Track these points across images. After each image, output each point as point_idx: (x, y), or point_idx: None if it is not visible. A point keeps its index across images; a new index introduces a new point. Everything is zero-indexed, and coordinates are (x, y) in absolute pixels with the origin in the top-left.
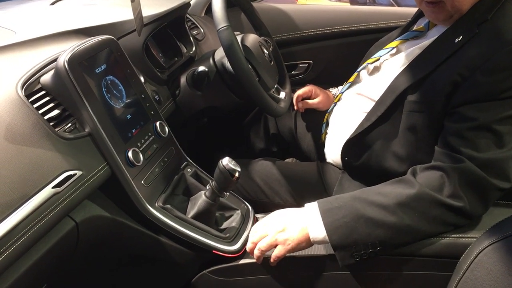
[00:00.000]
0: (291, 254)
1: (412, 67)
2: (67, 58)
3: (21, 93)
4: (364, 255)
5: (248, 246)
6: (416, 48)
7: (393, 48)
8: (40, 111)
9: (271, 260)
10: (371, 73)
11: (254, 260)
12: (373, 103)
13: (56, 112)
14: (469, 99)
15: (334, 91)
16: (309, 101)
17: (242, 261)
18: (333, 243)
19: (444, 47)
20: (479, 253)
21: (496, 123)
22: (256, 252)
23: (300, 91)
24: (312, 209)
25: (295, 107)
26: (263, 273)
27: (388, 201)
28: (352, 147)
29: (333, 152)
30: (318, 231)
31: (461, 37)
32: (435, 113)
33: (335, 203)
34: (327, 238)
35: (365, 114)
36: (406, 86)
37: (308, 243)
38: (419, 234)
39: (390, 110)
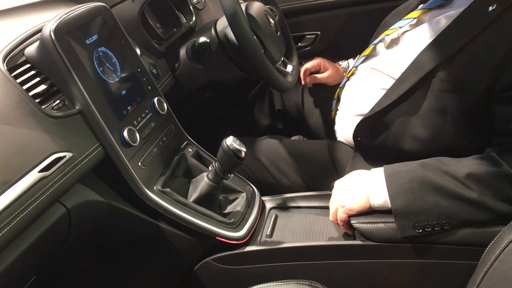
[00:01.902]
0: (300, 243)
1: (441, 40)
2: (53, 27)
3: (3, 67)
4: (427, 227)
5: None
6: (442, 17)
7: (414, 18)
8: (25, 87)
9: (340, 224)
10: (389, 46)
11: (259, 247)
12: (391, 79)
13: (42, 87)
14: None
15: (343, 64)
16: (318, 75)
17: (248, 249)
18: (394, 208)
19: (476, 17)
20: (510, 242)
21: None
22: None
23: (308, 65)
24: (377, 172)
25: (303, 82)
26: (269, 260)
27: (463, 173)
28: (367, 126)
29: (345, 130)
30: (379, 196)
31: (495, 5)
32: (472, 94)
33: (403, 167)
34: (388, 202)
35: (382, 90)
36: (436, 63)
37: (369, 207)
38: (492, 213)
39: (414, 89)
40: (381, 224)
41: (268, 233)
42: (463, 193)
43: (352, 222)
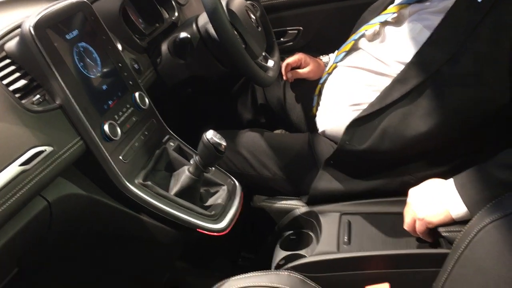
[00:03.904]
0: (386, 251)
1: (439, 40)
2: (33, 23)
3: None
4: None
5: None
6: (427, 14)
7: (393, 13)
8: (5, 82)
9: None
10: (370, 41)
11: (344, 255)
12: (372, 75)
13: (22, 82)
14: None
15: (325, 59)
16: (299, 71)
17: (330, 256)
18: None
19: (468, 11)
20: (480, 230)
21: None
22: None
23: (290, 60)
24: (449, 186)
25: (284, 77)
26: (352, 268)
27: None
28: (358, 127)
29: (326, 124)
30: (459, 209)
31: None
32: (485, 89)
33: (471, 176)
34: (469, 214)
35: (363, 86)
36: (438, 64)
37: (450, 219)
38: None
39: (414, 90)
40: None
41: (345, 240)
42: None
43: (441, 230)
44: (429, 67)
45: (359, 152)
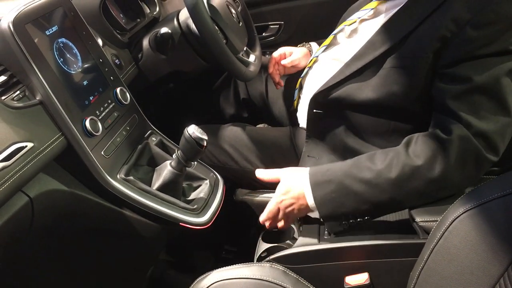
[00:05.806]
0: (366, 242)
1: (395, 22)
2: (11, 19)
3: None
4: (353, 223)
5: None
6: (397, 7)
7: (371, 9)
8: None
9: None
10: (349, 36)
11: (323, 246)
12: None
13: (2, 78)
14: (462, 57)
15: (305, 46)
16: (285, 61)
17: (312, 248)
18: (322, 215)
19: (426, 1)
20: (454, 220)
21: (493, 83)
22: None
23: (275, 55)
24: (304, 180)
25: (270, 70)
26: (333, 259)
27: (377, 178)
28: (320, 100)
29: (306, 117)
30: (311, 201)
31: None
32: (419, 69)
33: (326, 177)
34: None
35: None
36: (390, 43)
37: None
38: (404, 207)
39: (367, 66)
40: None
41: (326, 231)
42: (378, 199)
43: (418, 220)
44: (378, 49)
45: (325, 123)
